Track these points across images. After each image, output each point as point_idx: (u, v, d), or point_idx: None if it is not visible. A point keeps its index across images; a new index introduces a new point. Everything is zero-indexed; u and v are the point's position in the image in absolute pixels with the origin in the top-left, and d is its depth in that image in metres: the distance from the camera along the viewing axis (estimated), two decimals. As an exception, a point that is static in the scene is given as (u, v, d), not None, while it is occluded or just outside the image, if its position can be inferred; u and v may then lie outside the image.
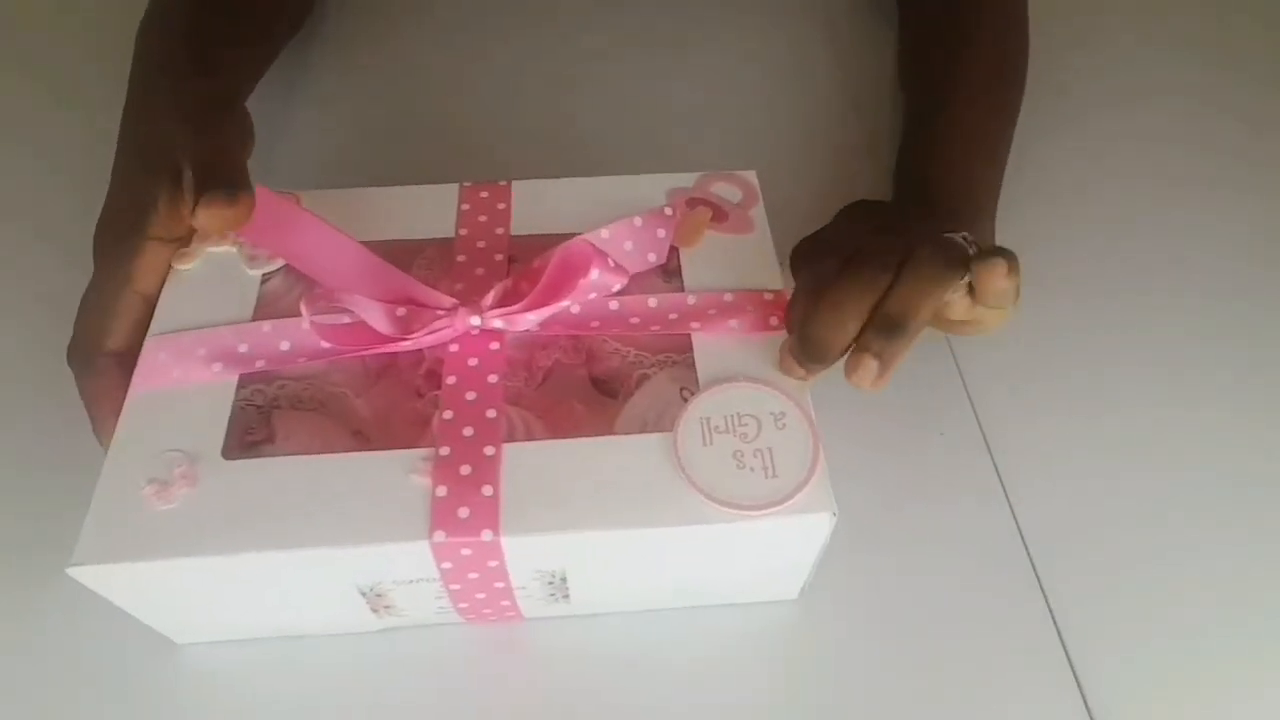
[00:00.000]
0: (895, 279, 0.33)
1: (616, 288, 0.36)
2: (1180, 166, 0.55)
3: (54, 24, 0.62)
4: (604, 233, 0.37)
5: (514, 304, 0.35)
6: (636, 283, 0.39)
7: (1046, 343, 0.47)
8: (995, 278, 0.33)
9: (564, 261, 0.35)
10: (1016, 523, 0.40)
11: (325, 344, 0.35)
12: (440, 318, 0.35)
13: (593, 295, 0.36)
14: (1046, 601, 0.38)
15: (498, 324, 0.35)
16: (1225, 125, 0.58)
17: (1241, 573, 0.39)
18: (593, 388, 0.40)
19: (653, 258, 0.38)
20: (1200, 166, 0.55)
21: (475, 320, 0.35)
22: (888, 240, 0.35)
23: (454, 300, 0.36)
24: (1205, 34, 0.63)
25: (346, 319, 0.36)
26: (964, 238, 0.35)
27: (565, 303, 0.35)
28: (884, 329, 0.33)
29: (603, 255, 0.35)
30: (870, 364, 0.32)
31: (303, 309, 0.34)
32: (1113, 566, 0.39)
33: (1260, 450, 0.43)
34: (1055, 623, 0.38)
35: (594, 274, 0.34)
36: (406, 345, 0.35)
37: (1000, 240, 0.52)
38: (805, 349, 0.33)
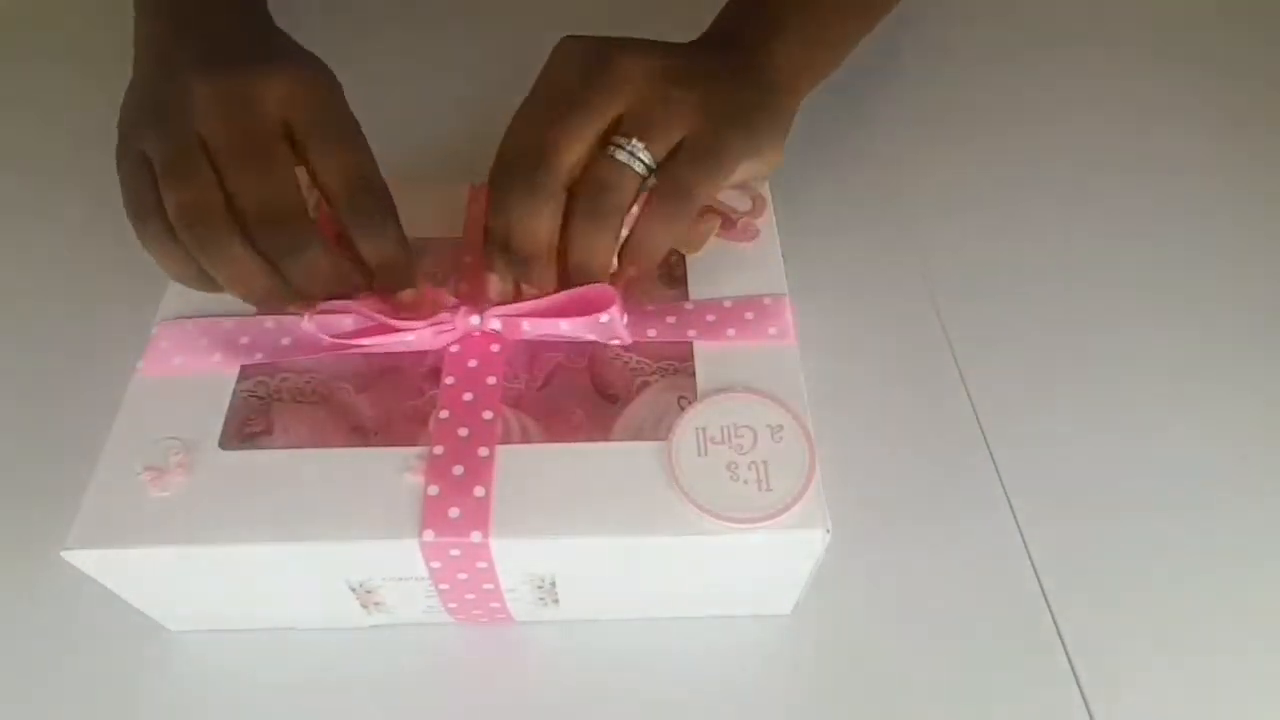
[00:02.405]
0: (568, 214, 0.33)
1: (617, 342, 0.35)
2: (1175, 164, 0.55)
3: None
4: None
5: (516, 309, 0.35)
6: (640, 287, 0.39)
7: (1047, 343, 0.46)
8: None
9: (581, 297, 0.34)
10: (1019, 529, 0.40)
11: (326, 338, 0.35)
12: (442, 315, 0.35)
13: (591, 337, 0.35)
14: (1051, 612, 0.37)
15: (495, 325, 0.35)
16: (1223, 123, 0.57)
17: (1243, 573, 0.39)
18: (594, 393, 0.40)
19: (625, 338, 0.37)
20: (1196, 164, 0.55)
21: (475, 320, 0.35)
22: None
23: (455, 300, 0.36)
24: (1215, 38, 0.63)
25: (349, 321, 0.36)
26: (631, 148, 0.33)
27: (563, 324, 0.34)
28: (582, 276, 0.33)
29: (622, 305, 0.34)
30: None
31: (305, 320, 0.34)
32: (1118, 570, 0.39)
33: (1262, 447, 0.42)
34: (1060, 634, 0.37)
35: (603, 318, 0.34)
36: (408, 339, 0.35)
37: (1008, 233, 0.51)
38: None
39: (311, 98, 0.34)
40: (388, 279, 0.34)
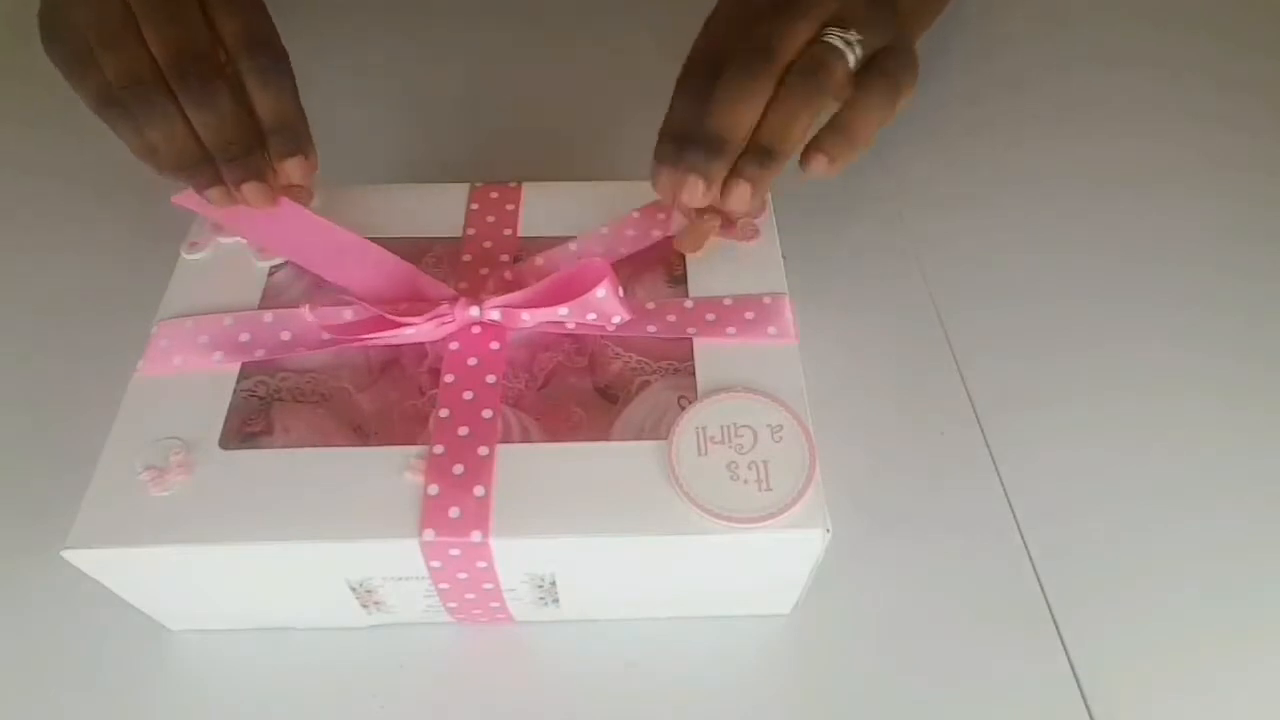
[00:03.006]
0: (773, 96, 0.33)
1: (617, 320, 0.35)
2: (1176, 165, 0.55)
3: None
4: (604, 229, 0.36)
5: (514, 298, 0.35)
6: (640, 285, 0.39)
7: (1047, 342, 0.46)
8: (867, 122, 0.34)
9: (575, 276, 0.35)
10: (1019, 529, 0.40)
11: (326, 334, 0.35)
12: (441, 308, 0.35)
13: (592, 316, 0.35)
14: (1051, 612, 0.37)
15: (495, 315, 0.35)
16: (1223, 127, 0.57)
17: (1243, 573, 0.39)
18: (594, 393, 0.40)
19: (657, 233, 0.37)
20: (1197, 164, 0.55)
21: (474, 311, 0.35)
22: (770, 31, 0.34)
23: (454, 291, 0.36)
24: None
25: (349, 314, 0.36)
26: (850, 39, 0.34)
27: (563, 310, 0.34)
28: (758, 158, 0.34)
29: (615, 279, 0.34)
30: (741, 188, 0.34)
31: (306, 309, 0.34)
32: (1118, 570, 0.39)
33: (1263, 447, 0.43)
34: (1060, 634, 0.37)
35: (600, 292, 0.34)
36: (408, 333, 0.35)
37: (1008, 233, 0.51)
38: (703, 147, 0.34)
39: None
40: (280, 141, 0.36)
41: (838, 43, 0.34)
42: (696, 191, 0.34)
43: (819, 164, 0.34)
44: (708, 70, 0.35)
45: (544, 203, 0.41)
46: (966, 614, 0.37)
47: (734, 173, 0.34)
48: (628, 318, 0.35)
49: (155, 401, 0.34)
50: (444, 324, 0.35)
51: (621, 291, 0.35)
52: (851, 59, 0.34)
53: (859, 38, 0.34)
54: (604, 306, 0.35)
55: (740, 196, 0.34)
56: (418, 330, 0.35)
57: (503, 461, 0.32)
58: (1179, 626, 0.37)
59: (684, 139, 0.35)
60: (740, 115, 0.33)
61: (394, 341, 0.35)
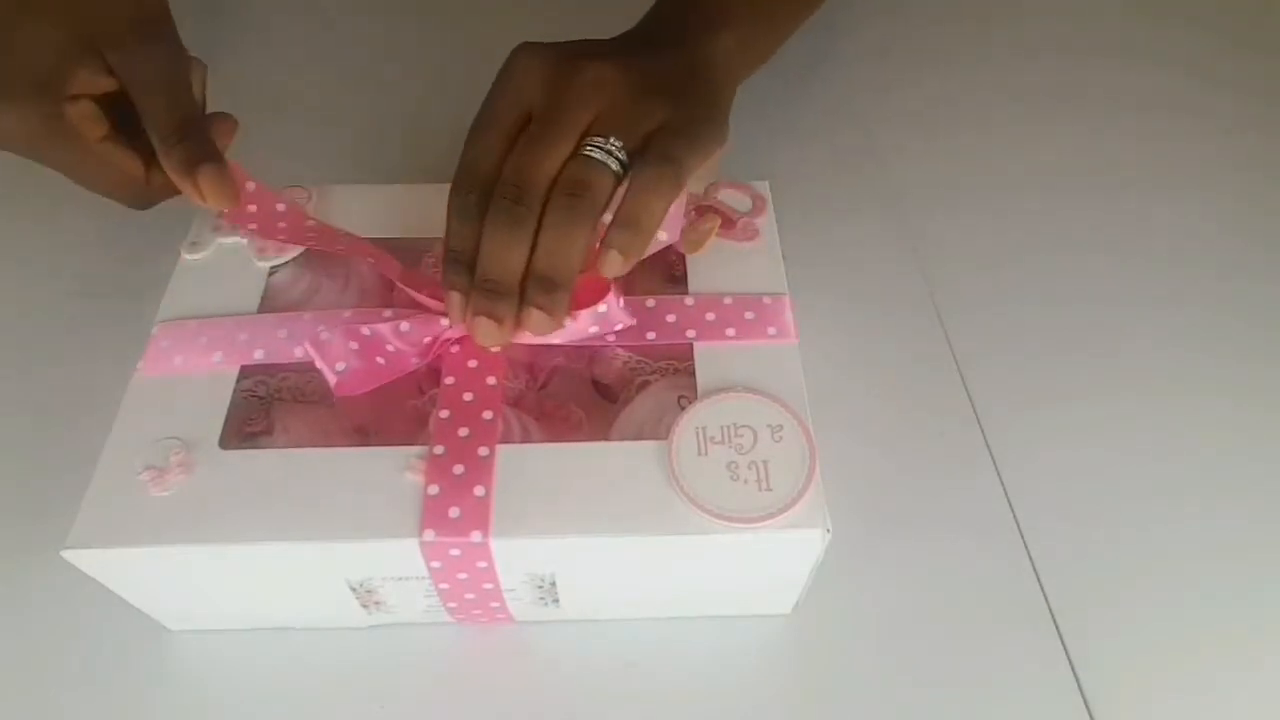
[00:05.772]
0: (540, 224, 0.32)
1: (619, 327, 0.35)
2: (1178, 161, 0.55)
3: None
4: (606, 217, 0.36)
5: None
6: (640, 286, 0.39)
7: (1047, 342, 0.46)
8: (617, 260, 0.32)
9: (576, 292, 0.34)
10: (1019, 529, 0.40)
11: (345, 392, 0.34)
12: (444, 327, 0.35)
13: (594, 330, 0.35)
14: (1051, 614, 0.37)
15: None
16: (1221, 122, 0.57)
17: (1245, 575, 0.39)
18: (594, 392, 0.40)
19: (664, 236, 0.37)
20: (1189, 166, 0.55)
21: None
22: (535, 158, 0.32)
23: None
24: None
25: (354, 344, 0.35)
26: (608, 147, 0.32)
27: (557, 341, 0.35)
28: (542, 286, 0.32)
29: (618, 288, 0.34)
30: (537, 315, 0.32)
31: (317, 362, 0.34)
32: (1118, 570, 0.39)
33: (1264, 449, 0.43)
34: (1061, 637, 0.37)
35: (601, 308, 0.34)
36: (419, 362, 0.35)
37: (1009, 232, 0.51)
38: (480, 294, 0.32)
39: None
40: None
41: (597, 155, 0.32)
42: (491, 334, 0.32)
43: (613, 262, 0.32)
44: (473, 186, 0.33)
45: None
46: (966, 614, 0.37)
47: (525, 301, 0.32)
48: (632, 323, 0.35)
49: (155, 401, 0.34)
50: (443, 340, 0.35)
51: (621, 301, 0.35)
52: (616, 165, 0.32)
53: (619, 144, 0.32)
54: (608, 319, 0.35)
55: (539, 321, 0.32)
56: (424, 361, 0.35)
57: (503, 462, 0.32)
58: (1179, 626, 0.37)
59: (466, 269, 0.33)
60: (508, 259, 0.32)
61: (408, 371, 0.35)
